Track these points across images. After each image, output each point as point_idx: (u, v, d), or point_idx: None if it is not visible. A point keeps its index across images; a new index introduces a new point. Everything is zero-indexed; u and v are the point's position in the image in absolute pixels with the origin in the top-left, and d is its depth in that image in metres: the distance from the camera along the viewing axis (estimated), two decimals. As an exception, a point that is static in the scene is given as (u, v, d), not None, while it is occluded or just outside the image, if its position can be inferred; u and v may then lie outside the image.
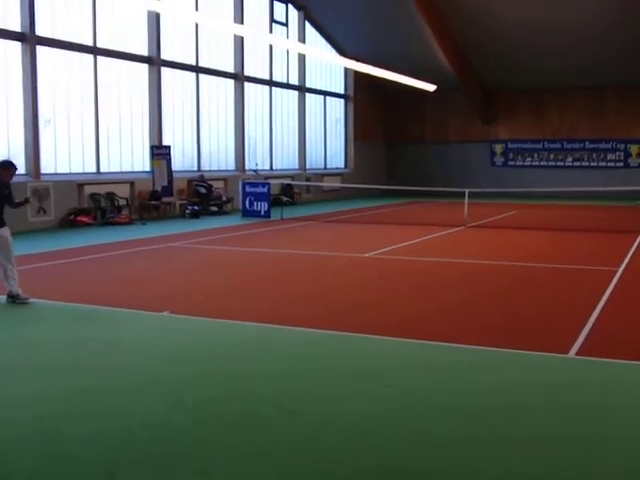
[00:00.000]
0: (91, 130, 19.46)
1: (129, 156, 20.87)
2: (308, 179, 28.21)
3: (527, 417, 5.18)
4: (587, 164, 31.83)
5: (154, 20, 20.83)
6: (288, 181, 26.19)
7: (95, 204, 18.92)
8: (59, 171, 18.56)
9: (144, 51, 20.94)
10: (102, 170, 19.84)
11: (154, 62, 21.08)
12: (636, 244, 14.70)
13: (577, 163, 32.03)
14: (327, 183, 29.52)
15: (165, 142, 21.62)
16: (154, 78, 21.15)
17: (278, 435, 4.82)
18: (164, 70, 21.56)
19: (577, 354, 6.69)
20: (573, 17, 24.97)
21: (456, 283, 10.66)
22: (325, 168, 31.10)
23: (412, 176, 32.20)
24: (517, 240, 16.02)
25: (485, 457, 4.49)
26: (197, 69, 23.12)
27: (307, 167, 29.43)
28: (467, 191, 19.04)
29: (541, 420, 5.12)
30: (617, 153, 31.43)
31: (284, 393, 5.66)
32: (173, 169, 21.51)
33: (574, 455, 4.54)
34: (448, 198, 25.76)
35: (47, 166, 18.09)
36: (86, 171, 19.37)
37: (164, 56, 21.47)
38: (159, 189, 20.86)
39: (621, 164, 31.29)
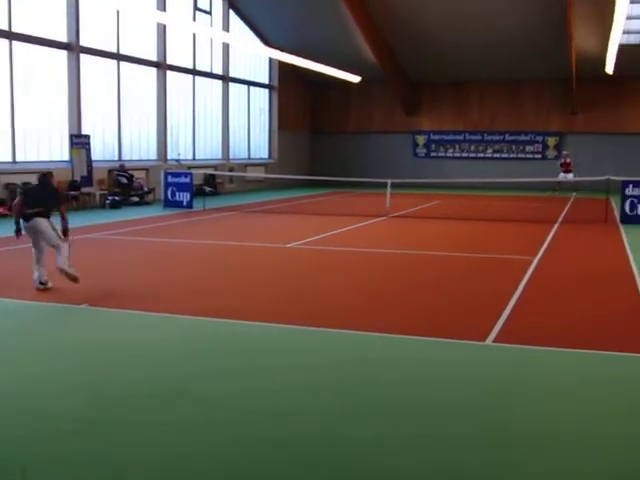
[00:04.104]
0: (6, 118, 18.87)
1: (47, 145, 20.32)
2: (231, 169, 28.05)
3: (443, 393, 5.32)
4: (507, 156, 32.65)
5: (73, 5, 20.30)
6: (211, 171, 25.98)
7: (11, 194, 18.34)
8: (-28, 160, 17.99)
9: (63, 37, 20.39)
10: (18, 159, 19.27)
11: (73, 48, 20.55)
12: (552, 234, 15.15)
13: (497, 155, 32.80)
14: (250, 173, 29.40)
15: (85, 131, 21.12)
16: (73, 65, 20.62)
17: (199, 431, 4.78)
18: (84, 57, 21.05)
19: (494, 341, 6.86)
20: (494, 13, 25.49)
21: (377, 273, 10.77)
22: (249, 158, 30.96)
23: (335, 166, 32.40)
24: (438, 230, 16.28)
25: (404, 425, 4.68)
26: (118, 57, 22.64)
27: (230, 157, 29.25)
28: (389, 181, 19.23)
29: (457, 396, 5.39)
30: (535, 145, 32.32)
31: (204, 387, 5.64)
32: (93, 159, 21.04)
33: (486, 425, 4.85)
34: (371, 188, 25.97)
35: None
36: (1, 160, 18.79)
37: (84, 43, 20.96)
38: (78, 179, 20.38)
39: (539, 156, 32.20)
